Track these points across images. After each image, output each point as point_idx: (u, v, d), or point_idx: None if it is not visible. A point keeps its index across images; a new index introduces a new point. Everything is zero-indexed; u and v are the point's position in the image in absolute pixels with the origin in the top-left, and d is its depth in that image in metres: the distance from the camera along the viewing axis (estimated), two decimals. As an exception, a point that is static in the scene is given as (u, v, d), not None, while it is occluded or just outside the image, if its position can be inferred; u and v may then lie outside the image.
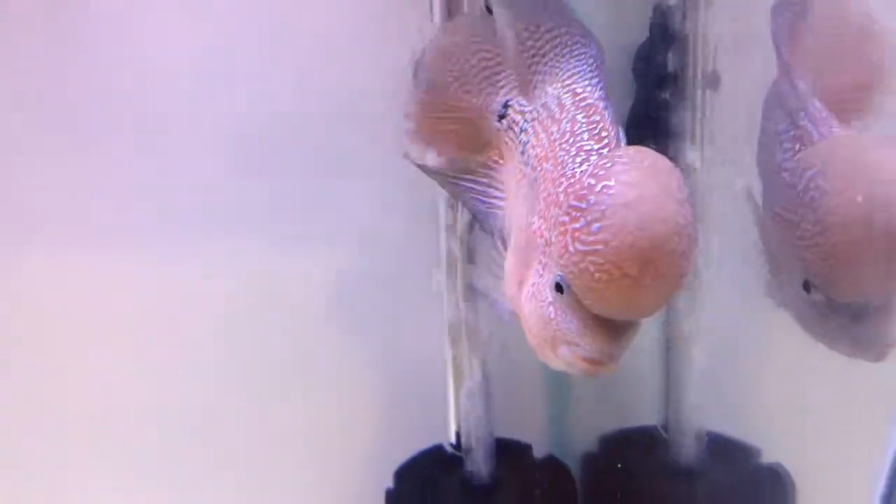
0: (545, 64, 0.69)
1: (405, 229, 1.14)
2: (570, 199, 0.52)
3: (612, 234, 0.49)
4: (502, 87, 0.73)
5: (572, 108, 0.64)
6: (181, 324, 1.16)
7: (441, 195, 1.01)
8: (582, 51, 0.68)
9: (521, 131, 0.69)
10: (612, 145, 0.58)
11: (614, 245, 0.49)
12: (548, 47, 0.70)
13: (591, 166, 0.54)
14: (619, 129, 0.61)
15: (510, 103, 0.72)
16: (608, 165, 0.52)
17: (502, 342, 1.09)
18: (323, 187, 1.14)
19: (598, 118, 0.61)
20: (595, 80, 0.66)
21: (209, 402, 1.18)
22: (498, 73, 0.73)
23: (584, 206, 0.51)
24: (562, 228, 0.52)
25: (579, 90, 0.65)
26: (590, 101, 0.64)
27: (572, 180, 0.55)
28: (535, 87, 0.70)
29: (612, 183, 0.51)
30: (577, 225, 0.51)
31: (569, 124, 0.62)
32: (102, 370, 1.16)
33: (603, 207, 0.50)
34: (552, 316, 0.56)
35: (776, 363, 1.12)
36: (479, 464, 1.09)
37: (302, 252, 1.16)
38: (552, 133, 0.63)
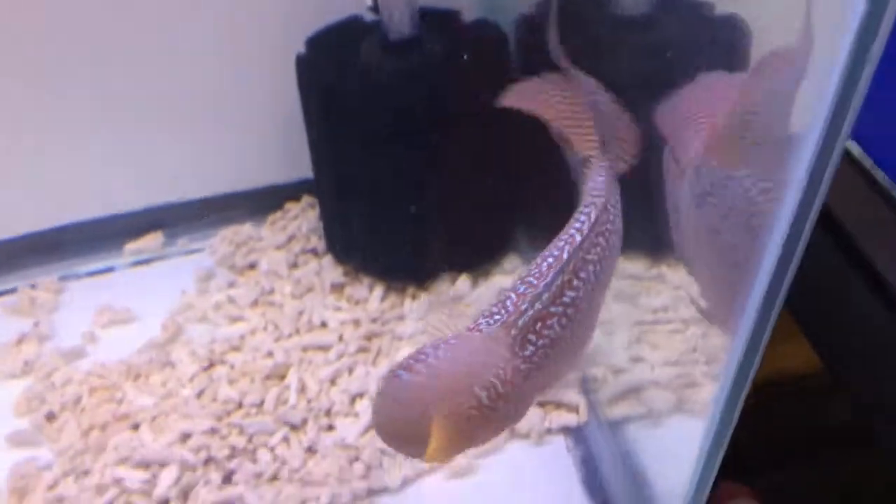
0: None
1: None
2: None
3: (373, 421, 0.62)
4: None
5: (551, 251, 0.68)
6: None
7: None
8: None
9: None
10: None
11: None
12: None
13: (394, 367, 0.61)
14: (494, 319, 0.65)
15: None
16: (388, 378, 0.60)
17: None
18: None
19: (528, 292, 0.65)
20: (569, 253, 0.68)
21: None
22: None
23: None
24: None
25: (572, 237, 0.69)
26: (551, 262, 0.67)
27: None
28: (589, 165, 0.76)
29: (376, 396, 0.61)
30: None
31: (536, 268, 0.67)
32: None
33: (372, 405, 0.63)
34: None
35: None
36: (401, 25, 0.97)
37: None
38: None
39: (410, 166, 1.02)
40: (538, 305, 0.65)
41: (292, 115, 1.21)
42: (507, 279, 1.11)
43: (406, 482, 0.88)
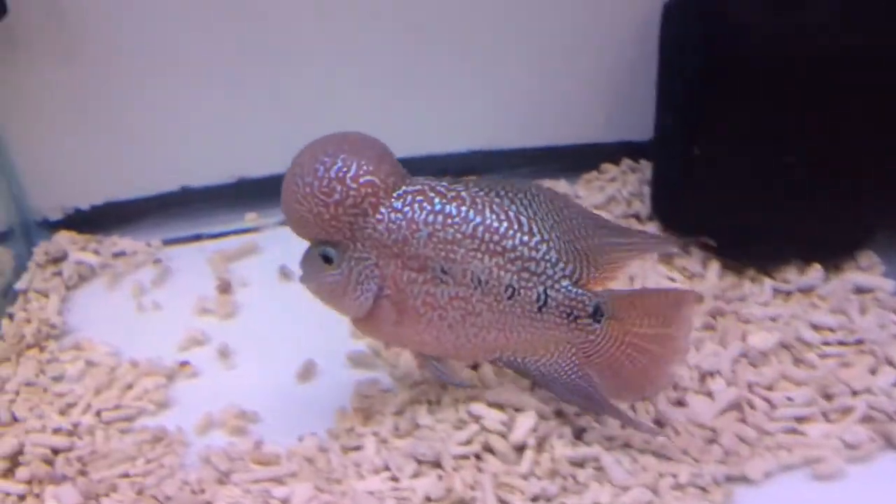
0: None
1: None
2: None
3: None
4: None
5: None
6: None
7: None
8: None
9: None
10: None
11: None
12: None
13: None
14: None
15: None
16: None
17: None
18: None
19: None
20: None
21: None
22: None
23: None
24: None
25: None
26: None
27: None
28: None
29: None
30: None
31: None
32: None
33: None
34: None
35: None
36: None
37: None
38: None
39: (778, 139, 0.94)
40: (432, 184, 0.75)
41: (630, 73, 1.15)
42: (861, 276, 1.00)
43: (768, 475, 0.79)
